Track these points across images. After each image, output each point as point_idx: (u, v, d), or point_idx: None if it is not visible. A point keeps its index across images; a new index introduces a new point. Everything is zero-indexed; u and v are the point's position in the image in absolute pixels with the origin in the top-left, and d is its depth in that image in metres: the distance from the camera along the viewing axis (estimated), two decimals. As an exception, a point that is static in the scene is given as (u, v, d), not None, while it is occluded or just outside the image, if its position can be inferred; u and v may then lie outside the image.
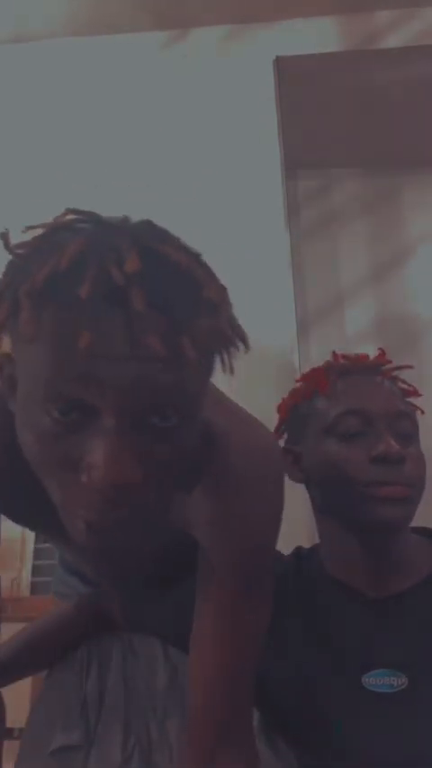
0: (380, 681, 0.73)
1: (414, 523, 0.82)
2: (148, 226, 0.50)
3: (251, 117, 1.91)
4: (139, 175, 1.80)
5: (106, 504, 0.47)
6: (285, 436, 0.87)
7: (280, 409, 0.87)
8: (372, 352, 0.86)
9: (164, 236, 0.50)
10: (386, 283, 2.22)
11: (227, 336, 0.51)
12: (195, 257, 0.50)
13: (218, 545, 0.63)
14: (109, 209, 0.52)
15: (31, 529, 0.76)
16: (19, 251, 0.49)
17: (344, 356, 0.85)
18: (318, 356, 0.94)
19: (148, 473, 0.47)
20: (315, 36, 1.95)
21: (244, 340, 0.52)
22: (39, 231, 0.49)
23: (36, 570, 2.06)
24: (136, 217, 0.52)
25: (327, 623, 0.78)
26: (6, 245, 0.49)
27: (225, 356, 0.52)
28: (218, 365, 0.52)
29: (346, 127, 2.13)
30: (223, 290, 0.51)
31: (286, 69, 1.92)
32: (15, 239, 0.50)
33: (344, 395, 0.79)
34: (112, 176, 1.80)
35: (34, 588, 2.04)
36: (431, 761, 0.69)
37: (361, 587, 0.79)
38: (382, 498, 0.73)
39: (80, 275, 0.44)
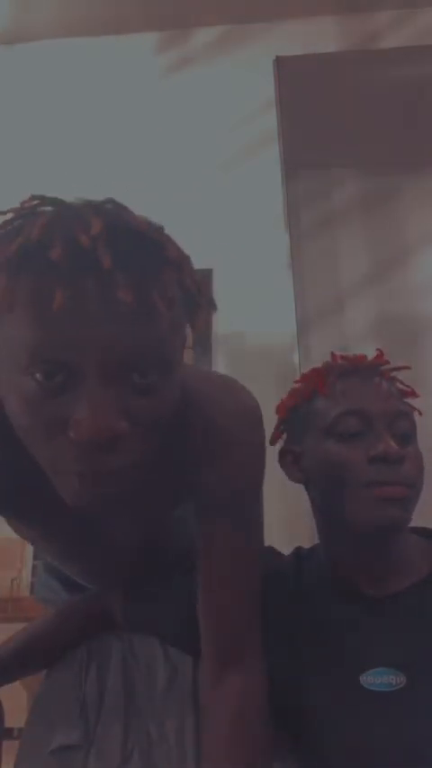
0: (378, 680, 0.73)
1: (414, 523, 0.82)
2: (110, 201, 0.53)
3: (251, 117, 1.91)
4: (138, 176, 1.80)
5: (94, 456, 0.49)
6: (285, 436, 0.87)
7: (279, 409, 0.87)
8: (371, 353, 0.86)
9: (125, 208, 0.53)
10: (386, 283, 2.22)
11: (191, 292, 0.54)
12: (157, 226, 0.53)
13: (213, 489, 0.70)
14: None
15: (25, 523, 0.77)
16: None
17: (342, 357, 0.85)
18: (318, 356, 0.94)
19: (133, 426, 0.50)
20: (315, 36, 1.95)
21: (210, 302, 0.56)
22: (7, 216, 0.52)
23: (36, 570, 2.06)
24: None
25: (326, 623, 0.78)
26: None
27: (194, 315, 0.55)
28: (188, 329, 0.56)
29: (346, 127, 2.13)
30: (186, 256, 0.54)
31: (286, 69, 1.92)
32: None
33: (343, 395, 0.79)
34: (111, 176, 1.80)
35: (34, 588, 2.03)
36: (430, 759, 0.69)
37: (360, 587, 0.79)
38: (381, 498, 0.73)
39: (50, 242, 0.46)
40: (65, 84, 2.01)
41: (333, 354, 0.86)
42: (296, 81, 1.94)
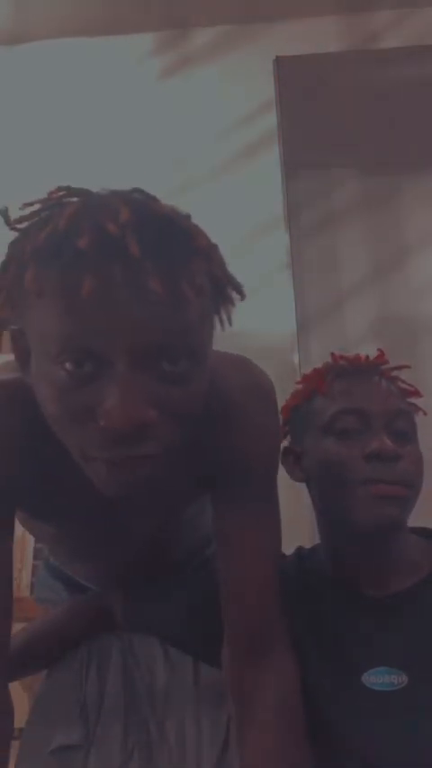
0: (380, 679, 0.73)
1: (414, 523, 0.82)
2: (137, 190, 0.53)
3: (251, 117, 1.91)
4: (138, 175, 1.80)
5: (123, 444, 0.49)
6: (288, 437, 0.87)
7: (283, 410, 0.87)
8: (372, 352, 0.86)
9: (153, 197, 0.53)
10: (386, 283, 2.22)
11: (221, 281, 0.54)
12: (185, 215, 0.53)
13: (229, 468, 0.70)
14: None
15: (42, 520, 0.77)
16: (18, 225, 0.52)
17: (342, 357, 0.85)
18: (318, 356, 0.94)
19: (163, 414, 0.49)
20: (315, 36, 1.95)
21: (238, 289, 0.55)
22: (35, 207, 0.52)
23: (36, 570, 2.06)
24: None
25: (328, 623, 0.78)
26: (7, 221, 0.52)
27: (221, 306, 0.55)
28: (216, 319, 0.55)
29: (346, 127, 2.13)
30: (214, 245, 0.54)
31: (286, 69, 1.92)
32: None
33: (341, 394, 0.80)
34: (111, 176, 1.80)
35: (34, 588, 2.03)
36: (431, 758, 0.69)
37: (361, 587, 0.79)
38: (377, 496, 0.73)
39: (78, 231, 0.46)
40: (64, 84, 2.01)
41: (333, 354, 0.86)
42: (296, 81, 1.94)
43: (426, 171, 2.27)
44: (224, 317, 0.55)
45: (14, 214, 0.53)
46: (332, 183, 2.34)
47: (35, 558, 2.06)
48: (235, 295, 0.55)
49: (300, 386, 0.87)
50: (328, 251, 2.27)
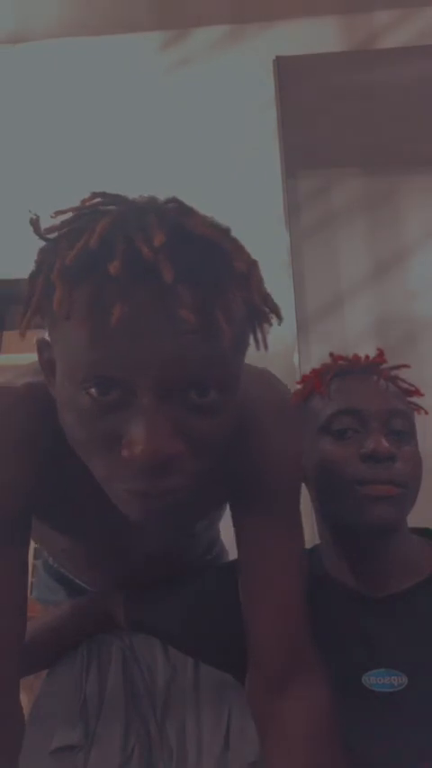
0: (380, 680, 0.73)
1: (414, 523, 0.82)
2: (174, 202, 0.51)
3: (251, 117, 1.91)
4: (138, 175, 1.80)
5: (149, 477, 0.47)
6: None
7: None
8: (372, 352, 0.86)
9: (191, 211, 0.50)
10: (386, 283, 2.22)
11: (259, 308, 0.51)
12: (224, 231, 0.50)
13: (258, 478, 0.66)
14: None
15: (59, 531, 0.75)
16: (49, 235, 0.50)
17: (341, 357, 0.85)
18: (318, 356, 0.94)
19: (190, 446, 0.48)
20: (315, 36, 1.95)
21: (276, 312, 0.52)
22: (67, 215, 0.50)
23: (36, 570, 2.06)
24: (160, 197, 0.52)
25: (327, 623, 0.78)
26: (37, 231, 0.50)
27: (258, 330, 0.52)
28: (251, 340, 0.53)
29: (345, 127, 2.13)
30: (254, 262, 0.51)
31: (286, 69, 1.92)
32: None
33: (338, 394, 0.80)
34: (111, 176, 1.80)
35: (34, 588, 2.03)
36: (431, 760, 0.69)
37: (360, 587, 0.79)
38: (372, 497, 0.73)
39: (110, 252, 0.44)
40: (64, 84, 2.01)
41: (332, 355, 0.86)
42: (296, 81, 1.94)
43: (426, 171, 2.27)
44: (260, 337, 0.52)
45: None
46: (332, 183, 2.34)
47: (35, 557, 2.06)
48: (272, 316, 0.53)
49: (299, 386, 0.87)
50: (328, 251, 2.27)
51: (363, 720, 0.72)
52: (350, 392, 0.79)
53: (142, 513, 0.50)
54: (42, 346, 0.55)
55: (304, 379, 0.87)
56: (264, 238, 1.83)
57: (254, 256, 0.52)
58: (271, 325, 0.52)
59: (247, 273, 0.49)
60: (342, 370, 0.83)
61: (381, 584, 0.78)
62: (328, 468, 0.76)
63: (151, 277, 0.44)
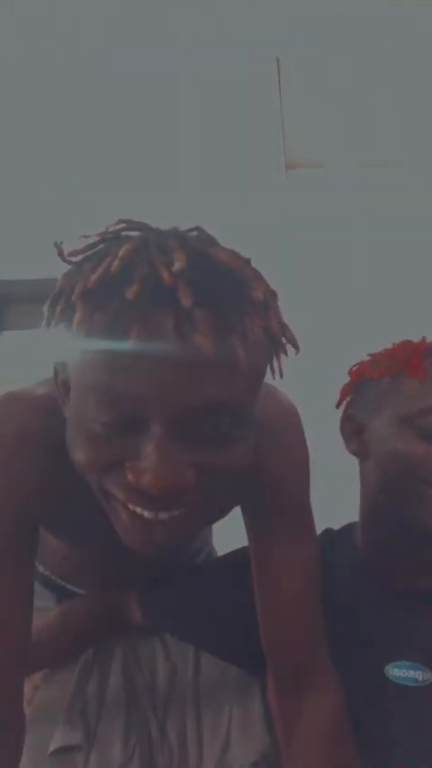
0: (404, 673, 0.71)
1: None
2: (197, 231, 0.51)
3: (252, 117, 1.91)
4: (138, 176, 1.80)
5: (155, 507, 0.47)
6: (352, 405, 0.80)
7: (353, 374, 0.80)
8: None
9: (213, 240, 0.50)
10: (385, 283, 2.22)
11: (276, 337, 0.50)
12: (244, 260, 0.50)
13: (267, 491, 0.67)
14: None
15: (61, 538, 0.75)
16: (72, 258, 0.50)
17: None
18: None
19: (201, 478, 0.47)
20: (315, 36, 1.95)
21: (293, 342, 0.52)
22: (91, 239, 0.50)
23: (36, 570, 2.06)
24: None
25: (354, 608, 0.76)
26: (60, 254, 0.50)
27: (275, 359, 0.51)
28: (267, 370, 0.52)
29: (346, 126, 2.13)
30: (273, 293, 0.51)
31: (286, 69, 1.92)
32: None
33: None
34: (111, 176, 1.80)
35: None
36: None
37: (396, 578, 0.76)
38: None
39: (130, 277, 0.44)
40: (65, 84, 2.01)
41: (423, 339, 0.77)
42: (296, 81, 1.94)
43: (425, 171, 2.27)
44: (276, 366, 0.51)
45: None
46: (332, 183, 2.35)
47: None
48: (289, 347, 0.52)
49: (382, 357, 0.78)
50: (328, 250, 2.27)
51: (382, 711, 0.70)
52: None
53: (143, 542, 0.49)
54: (58, 368, 0.55)
55: (393, 352, 0.77)
56: (264, 238, 1.83)
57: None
58: (287, 355, 0.52)
59: (266, 303, 0.48)
60: None
61: (419, 579, 0.76)
62: (401, 462, 0.71)
63: (170, 301, 0.43)
